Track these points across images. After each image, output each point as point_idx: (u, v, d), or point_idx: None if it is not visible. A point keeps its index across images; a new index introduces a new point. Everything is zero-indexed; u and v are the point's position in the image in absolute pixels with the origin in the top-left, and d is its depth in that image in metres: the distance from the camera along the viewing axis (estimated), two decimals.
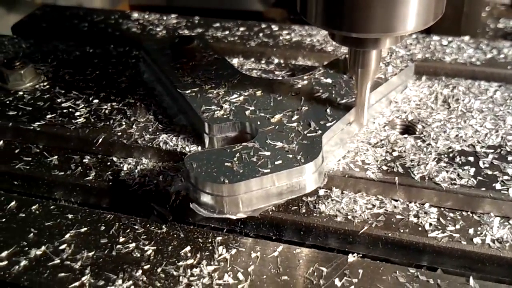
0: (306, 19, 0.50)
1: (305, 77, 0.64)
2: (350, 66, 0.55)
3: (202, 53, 0.69)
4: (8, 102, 0.68)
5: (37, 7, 0.99)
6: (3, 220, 0.54)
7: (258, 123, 0.56)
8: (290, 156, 0.51)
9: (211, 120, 0.57)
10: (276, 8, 1.27)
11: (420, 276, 0.46)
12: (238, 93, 0.61)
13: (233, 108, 0.59)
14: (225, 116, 0.58)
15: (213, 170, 0.50)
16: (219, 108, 0.59)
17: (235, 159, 0.51)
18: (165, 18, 0.92)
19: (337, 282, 0.46)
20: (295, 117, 0.57)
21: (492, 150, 0.57)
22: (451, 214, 0.52)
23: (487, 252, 0.49)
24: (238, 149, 0.52)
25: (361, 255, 0.50)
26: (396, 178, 0.53)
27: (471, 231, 0.50)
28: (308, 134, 0.54)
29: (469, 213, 0.52)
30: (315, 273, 0.47)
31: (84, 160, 0.61)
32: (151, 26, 0.89)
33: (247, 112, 0.58)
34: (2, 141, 0.65)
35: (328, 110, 0.58)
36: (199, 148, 0.59)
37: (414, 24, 0.47)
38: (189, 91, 0.62)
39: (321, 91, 0.61)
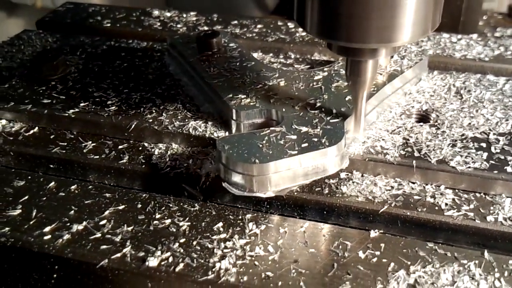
0: (303, 28, 0.51)
1: (325, 69, 0.68)
2: (346, 75, 0.55)
3: (226, 47, 0.73)
4: (41, 91, 0.71)
5: (61, 5, 1.03)
6: (44, 198, 0.57)
7: (283, 110, 0.60)
8: (315, 139, 0.55)
9: (238, 107, 0.61)
10: (274, 16, 1.30)
11: (438, 249, 0.50)
12: (263, 83, 0.65)
13: (259, 96, 0.63)
14: (251, 103, 0.61)
15: (244, 151, 0.53)
16: (245, 96, 0.62)
17: (264, 141, 0.54)
18: (184, 15, 0.96)
19: (361, 254, 0.50)
20: (318, 104, 0.61)
21: (503, 137, 0.60)
22: (465, 195, 0.56)
23: (500, 229, 0.52)
24: (266, 133, 0.56)
25: (381, 232, 0.53)
26: (414, 161, 0.57)
27: (484, 210, 0.54)
28: (331, 120, 0.58)
29: (482, 194, 0.56)
30: (340, 247, 0.51)
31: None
32: (172, 23, 0.93)
33: (272, 100, 0.62)
34: (37, 128, 0.68)
35: (348, 98, 0.62)
36: (227, 133, 0.62)
37: (411, 34, 0.47)
38: (216, 81, 0.66)
39: (340, 81, 0.65)
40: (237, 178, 0.53)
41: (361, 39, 0.47)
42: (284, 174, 0.53)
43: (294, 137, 0.55)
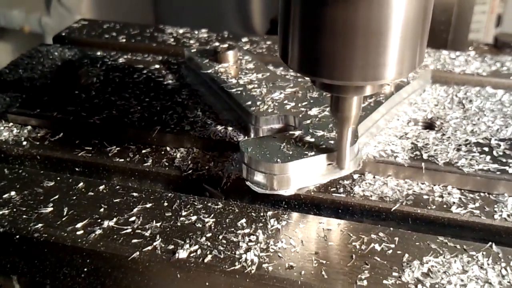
0: (286, 64, 0.50)
1: None
2: (331, 111, 0.55)
3: (241, 59, 0.78)
4: (65, 99, 0.75)
5: (75, 21, 1.07)
6: (74, 198, 0.60)
7: (300, 116, 0.64)
8: (331, 142, 0.59)
9: (257, 113, 0.65)
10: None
11: (449, 242, 0.54)
12: (279, 92, 0.69)
13: (276, 104, 0.67)
14: (269, 110, 0.66)
15: (265, 152, 0.57)
16: (263, 103, 0.67)
17: (283, 143, 0.58)
18: (196, 32, 1.01)
19: (377, 247, 0.53)
20: None
21: (504, 142, 0.65)
22: (471, 195, 0.60)
23: (504, 224, 0.56)
24: (286, 136, 0.60)
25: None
26: (423, 163, 0.61)
27: (489, 208, 0.58)
28: None
29: (486, 193, 0.60)
30: (358, 240, 0.54)
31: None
32: (185, 39, 0.98)
33: (289, 107, 0.66)
34: (62, 133, 0.72)
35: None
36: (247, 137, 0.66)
37: (397, 72, 0.46)
38: (234, 90, 0.70)
39: None
40: (259, 177, 0.57)
41: (345, 77, 0.46)
42: (303, 174, 0.57)
43: (312, 140, 0.59)
